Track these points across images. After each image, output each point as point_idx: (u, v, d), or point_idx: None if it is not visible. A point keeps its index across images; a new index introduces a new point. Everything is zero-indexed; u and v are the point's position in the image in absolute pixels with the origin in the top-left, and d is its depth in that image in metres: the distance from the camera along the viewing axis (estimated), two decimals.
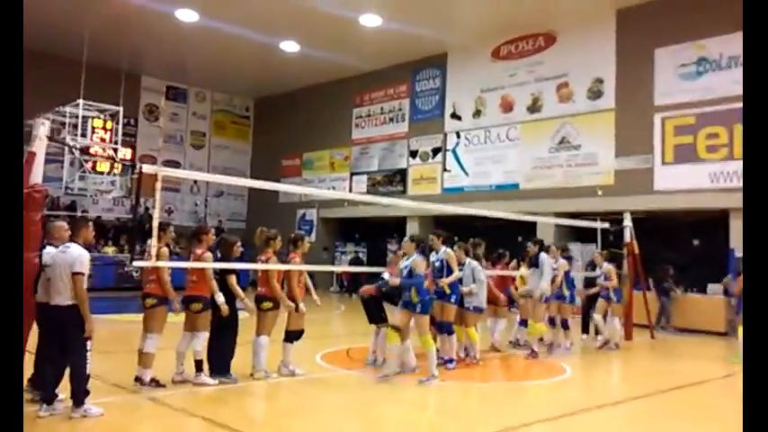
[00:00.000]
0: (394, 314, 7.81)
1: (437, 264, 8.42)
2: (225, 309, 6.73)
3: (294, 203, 24.46)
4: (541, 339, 10.08)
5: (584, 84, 17.04)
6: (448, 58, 20.27)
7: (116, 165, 18.42)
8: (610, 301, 11.04)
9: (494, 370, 9.04)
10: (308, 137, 24.43)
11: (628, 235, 12.66)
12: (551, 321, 10.39)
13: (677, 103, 15.24)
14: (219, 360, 6.99)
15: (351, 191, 22.37)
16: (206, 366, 6.90)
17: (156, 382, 6.50)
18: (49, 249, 5.62)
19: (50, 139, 5.67)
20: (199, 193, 25.17)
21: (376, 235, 22.52)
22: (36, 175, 5.58)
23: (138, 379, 6.48)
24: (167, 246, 6.67)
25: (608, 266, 11.21)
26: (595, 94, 16.85)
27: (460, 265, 8.66)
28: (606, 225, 12.78)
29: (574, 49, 17.29)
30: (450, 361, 8.30)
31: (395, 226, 21.11)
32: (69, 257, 5.41)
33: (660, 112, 15.53)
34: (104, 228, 20.76)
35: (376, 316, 8.40)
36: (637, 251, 12.61)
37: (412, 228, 20.44)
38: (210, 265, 6.76)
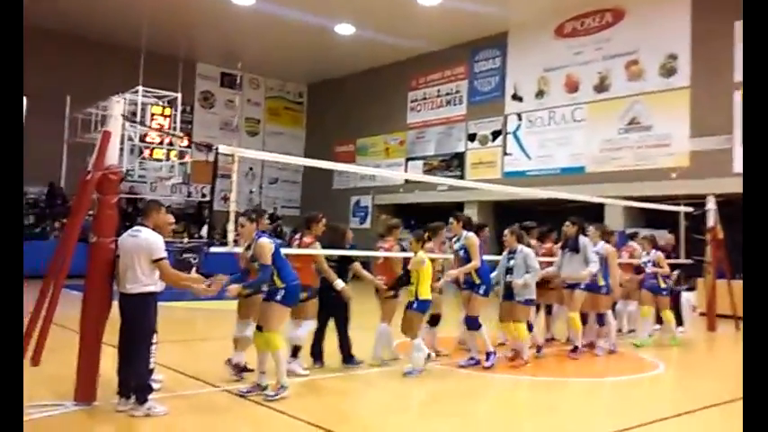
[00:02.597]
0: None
1: (461, 252, 7.55)
2: (348, 292, 6.81)
3: (348, 190, 24.19)
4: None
5: (656, 60, 16.13)
6: (508, 37, 19.55)
7: (172, 152, 18.40)
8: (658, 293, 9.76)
9: (570, 365, 8.24)
10: (362, 122, 24.06)
11: (711, 220, 11.87)
12: (583, 318, 8.73)
13: None
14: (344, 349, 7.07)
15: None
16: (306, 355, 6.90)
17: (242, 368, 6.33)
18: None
19: (126, 118, 5.39)
20: (254, 181, 25.12)
21: (433, 221, 22.01)
22: (111, 156, 5.31)
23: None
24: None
25: (658, 254, 9.99)
26: (668, 71, 15.94)
27: (512, 252, 7.76)
28: (690, 209, 11.99)
29: (644, 24, 16.37)
30: (474, 360, 7.36)
31: (452, 212, 20.57)
32: (144, 244, 5.08)
33: (741, 89, 14.57)
34: None
35: None
36: (721, 236, 11.83)
37: (470, 214, 19.84)
38: (317, 252, 6.73)
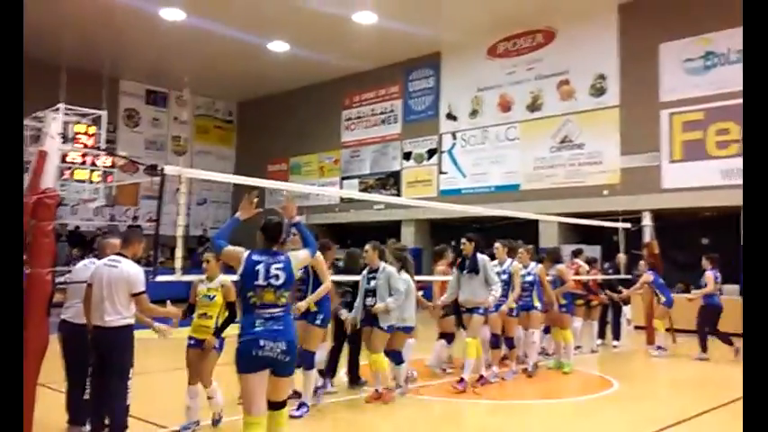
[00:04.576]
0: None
1: (300, 272, 5.89)
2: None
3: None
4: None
5: (587, 80, 16.60)
6: (442, 57, 19.71)
7: (95, 173, 17.45)
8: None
9: (527, 388, 8.28)
10: (296, 141, 23.64)
11: (647, 235, 12.20)
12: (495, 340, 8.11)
13: (685, 98, 14.87)
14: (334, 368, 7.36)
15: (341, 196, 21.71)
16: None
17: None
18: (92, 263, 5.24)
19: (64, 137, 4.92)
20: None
21: (370, 240, 21.81)
22: (48, 178, 4.82)
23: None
24: None
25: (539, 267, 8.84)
26: (598, 90, 16.43)
27: (372, 271, 6.76)
28: (628, 225, 12.28)
29: (574, 45, 16.83)
30: (303, 406, 6.09)
31: (389, 231, 20.44)
32: (125, 275, 4.79)
33: (667, 108, 15.16)
34: (84, 239, 19.74)
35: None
36: (657, 251, 12.15)
37: (407, 233, 19.85)
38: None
